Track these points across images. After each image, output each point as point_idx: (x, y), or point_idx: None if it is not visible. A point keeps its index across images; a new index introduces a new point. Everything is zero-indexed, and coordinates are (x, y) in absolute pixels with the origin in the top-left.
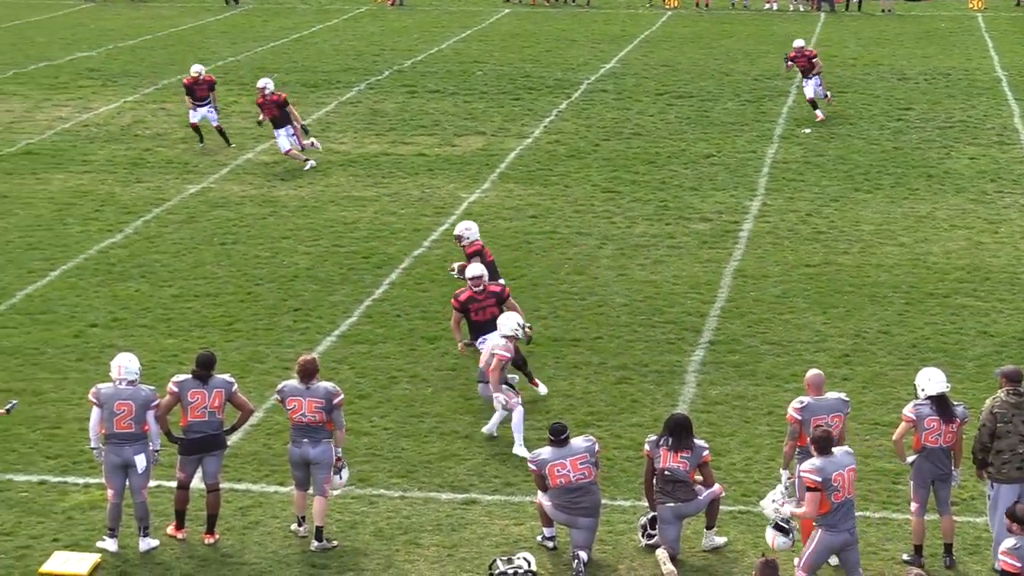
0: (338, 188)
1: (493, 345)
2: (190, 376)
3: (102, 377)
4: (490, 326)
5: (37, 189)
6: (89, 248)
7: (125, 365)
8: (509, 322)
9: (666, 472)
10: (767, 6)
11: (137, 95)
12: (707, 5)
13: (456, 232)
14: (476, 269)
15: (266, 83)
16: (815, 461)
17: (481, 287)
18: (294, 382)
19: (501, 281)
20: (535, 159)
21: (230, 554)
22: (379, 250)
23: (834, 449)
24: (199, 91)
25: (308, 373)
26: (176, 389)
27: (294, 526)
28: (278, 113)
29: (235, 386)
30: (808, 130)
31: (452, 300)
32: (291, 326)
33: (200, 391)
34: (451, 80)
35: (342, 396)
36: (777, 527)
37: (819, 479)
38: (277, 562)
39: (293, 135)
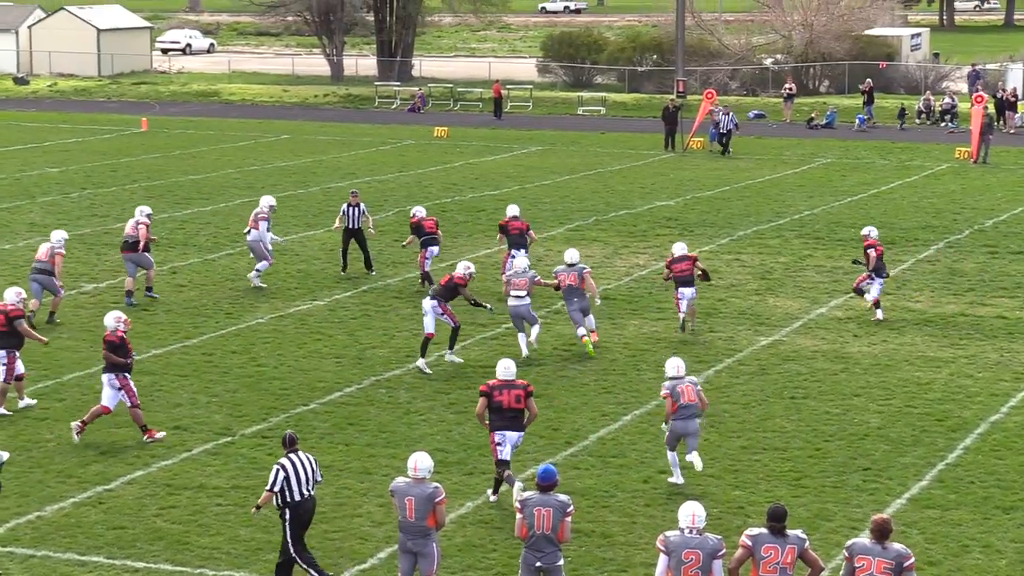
0: (912, 347)
1: None
2: (765, 530)
3: (670, 524)
4: None
5: (612, 334)
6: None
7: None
8: None
9: None
10: None
11: (712, 245)
12: None
13: None
14: None
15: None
16: None
17: None
18: (865, 541)
19: None
20: None
21: None
22: (953, 413)
23: None
24: None
25: (883, 533)
26: (749, 543)
27: None
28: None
29: (807, 543)
30: None
31: None
32: (860, 485)
33: (774, 546)
34: None
35: (912, 559)
36: None
37: None
38: None
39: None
